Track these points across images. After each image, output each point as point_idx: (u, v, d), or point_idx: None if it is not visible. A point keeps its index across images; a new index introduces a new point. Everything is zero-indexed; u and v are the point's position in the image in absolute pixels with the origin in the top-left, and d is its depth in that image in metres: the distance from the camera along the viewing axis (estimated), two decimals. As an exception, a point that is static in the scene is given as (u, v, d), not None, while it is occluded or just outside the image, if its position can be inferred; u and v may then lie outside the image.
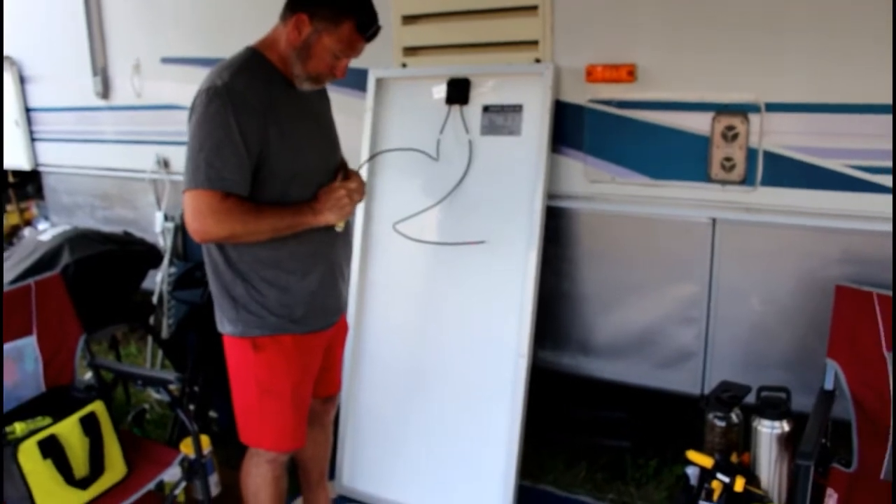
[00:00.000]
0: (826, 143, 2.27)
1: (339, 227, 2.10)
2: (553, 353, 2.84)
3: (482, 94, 2.73)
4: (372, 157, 2.81)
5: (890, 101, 2.12)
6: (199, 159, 1.85)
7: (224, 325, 2.11)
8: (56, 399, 2.39)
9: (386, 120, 2.90)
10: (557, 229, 2.72)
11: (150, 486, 2.32)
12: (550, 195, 2.66)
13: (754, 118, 2.34)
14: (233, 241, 1.99)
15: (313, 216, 2.00)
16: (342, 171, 2.16)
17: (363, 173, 2.36)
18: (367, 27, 1.95)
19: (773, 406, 2.22)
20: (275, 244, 2.01)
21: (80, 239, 3.09)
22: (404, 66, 2.88)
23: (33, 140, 4.45)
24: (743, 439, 2.29)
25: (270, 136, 1.92)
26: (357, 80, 2.74)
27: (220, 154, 1.85)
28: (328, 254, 2.12)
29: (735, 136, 2.37)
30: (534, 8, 2.59)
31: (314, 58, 1.95)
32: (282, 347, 2.09)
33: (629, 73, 2.49)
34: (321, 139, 2.16)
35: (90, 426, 2.28)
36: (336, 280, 2.19)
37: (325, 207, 2.02)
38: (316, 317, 2.14)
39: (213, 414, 3.27)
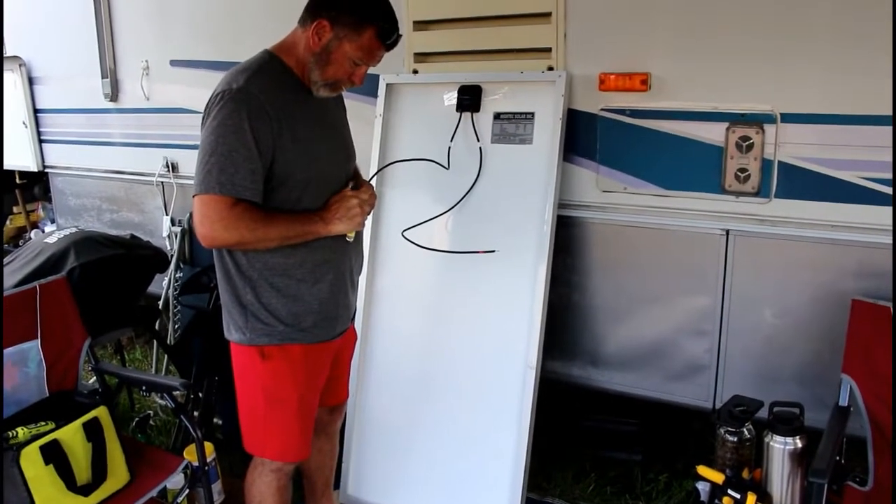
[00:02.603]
0: (842, 155, 2.25)
1: (350, 237, 2.07)
2: (563, 364, 2.81)
3: (494, 102, 2.70)
4: (383, 168, 2.78)
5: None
6: (210, 164, 1.83)
7: (231, 333, 2.08)
8: (59, 404, 2.38)
9: (396, 126, 2.88)
10: (568, 239, 2.69)
11: (153, 493, 2.30)
12: (562, 204, 2.63)
13: (769, 129, 2.31)
14: (241, 247, 1.96)
15: (324, 226, 1.98)
16: (354, 181, 2.14)
17: (373, 183, 2.34)
18: (389, 35, 1.93)
19: (785, 422, 2.19)
20: (285, 252, 1.98)
21: (86, 242, 3.06)
22: (415, 72, 2.86)
23: (41, 141, 4.44)
24: (755, 455, 2.26)
25: (284, 142, 1.90)
26: (368, 87, 2.71)
27: (232, 159, 1.82)
28: (339, 263, 2.09)
29: (750, 147, 2.34)
30: (547, 15, 2.57)
31: (333, 64, 1.93)
32: (289, 357, 2.06)
33: (643, 82, 2.47)
34: (336, 147, 2.13)
35: (93, 432, 2.26)
36: (346, 290, 2.16)
37: (335, 217, 1.99)
38: (325, 327, 2.11)
39: (217, 421, 3.25)
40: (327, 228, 1.98)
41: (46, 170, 4.51)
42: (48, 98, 4.34)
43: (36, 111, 4.40)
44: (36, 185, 4.90)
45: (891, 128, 2.14)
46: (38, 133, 4.44)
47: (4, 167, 4.56)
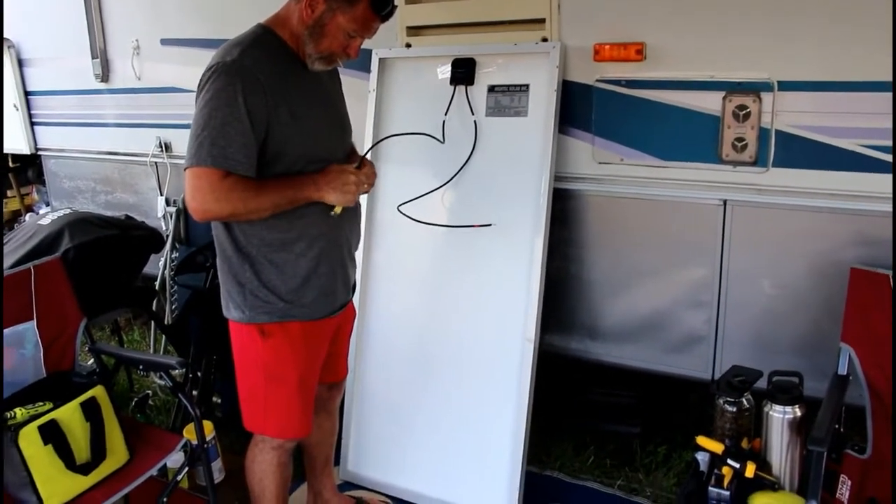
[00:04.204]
0: (840, 123, 2.22)
1: (336, 212, 2.03)
2: (561, 338, 2.80)
3: (488, 75, 2.68)
4: (378, 143, 2.76)
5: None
6: (202, 136, 1.81)
7: (230, 311, 2.07)
8: (56, 384, 2.37)
9: (390, 101, 2.86)
10: (565, 211, 2.68)
11: (153, 471, 2.30)
12: (558, 177, 2.61)
13: (767, 97, 2.29)
14: (234, 219, 1.94)
15: (315, 190, 1.94)
16: (357, 159, 2.11)
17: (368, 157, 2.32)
18: (383, 7, 1.90)
19: (785, 391, 2.18)
20: (282, 226, 1.96)
21: (80, 223, 3.05)
22: (408, 46, 2.83)
23: (33, 124, 4.41)
24: (754, 425, 2.26)
25: (279, 117, 1.87)
26: (361, 61, 2.69)
27: (224, 132, 1.80)
28: (335, 236, 2.08)
29: (747, 116, 2.32)
30: (540, -15, 2.54)
31: (327, 37, 1.90)
32: (289, 334, 2.05)
33: (638, 52, 2.44)
34: (332, 121, 2.11)
35: (91, 411, 2.25)
36: (345, 264, 2.15)
37: (328, 185, 1.95)
38: (324, 303, 2.10)
39: (216, 399, 3.25)
40: (318, 193, 1.95)
41: (39, 152, 4.50)
42: (39, 80, 4.32)
43: (27, 93, 4.37)
44: (29, 168, 4.87)
45: (888, 94, 2.12)
46: (30, 115, 4.41)
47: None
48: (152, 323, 3.77)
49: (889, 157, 2.17)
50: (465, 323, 2.68)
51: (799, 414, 2.15)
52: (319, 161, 2.00)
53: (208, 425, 2.80)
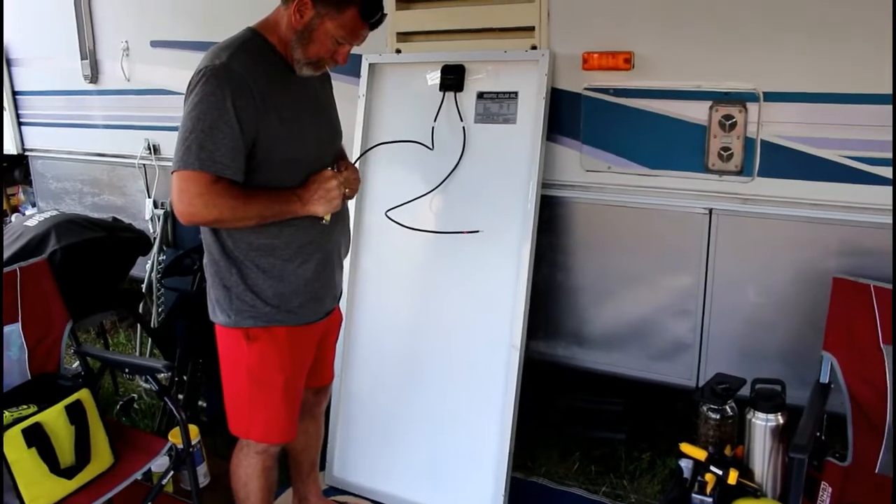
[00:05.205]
0: (824, 134, 2.25)
1: (326, 220, 2.03)
2: (547, 344, 2.81)
3: (477, 81, 2.69)
4: (367, 151, 2.77)
5: (889, 90, 2.09)
6: (190, 140, 1.80)
7: (217, 315, 2.07)
8: (41, 387, 2.36)
9: (379, 107, 2.86)
10: (552, 219, 2.69)
11: (137, 475, 2.29)
12: (545, 184, 2.63)
13: (752, 107, 2.31)
14: (219, 225, 1.94)
15: (301, 206, 1.95)
16: (338, 162, 2.12)
17: (357, 165, 2.33)
18: (372, 14, 1.90)
19: (767, 398, 2.20)
20: (272, 232, 1.96)
21: (67, 224, 3.04)
22: (398, 51, 2.84)
23: (20, 124, 4.39)
24: (737, 432, 2.28)
25: (269, 121, 1.87)
26: (350, 67, 2.70)
27: (213, 136, 1.80)
28: (325, 242, 2.08)
29: (733, 126, 2.34)
30: (530, -7, 2.55)
31: (315, 43, 1.90)
32: (275, 339, 2.05)
33: (626, 61, 2.46)
34: (322, 126, 2.11)
35: (76, 414, 2.24)
36: (333, 270, 2.15)
37: (313, 197, 1.95)
38: (311, 308, 2.10)
39: (202, 403, 3.24)
40: (305, 209, 1.95)
41: (26, 153, 4.47)
42: (27, 80, 4.30)
43: (15, 93, 4.35)
44: (16, 168, 4.84)
45: (871, 106, 2.15)
46: (18, 115, 4.39)
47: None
48: (138, 326, 3.75)
49: (871, 169, 2.20)
50: (452, 329, 2.68)
51: (781, 421, 2.16)
52: (309, 165, 2.00)
53: (194, 429, 2.79)
